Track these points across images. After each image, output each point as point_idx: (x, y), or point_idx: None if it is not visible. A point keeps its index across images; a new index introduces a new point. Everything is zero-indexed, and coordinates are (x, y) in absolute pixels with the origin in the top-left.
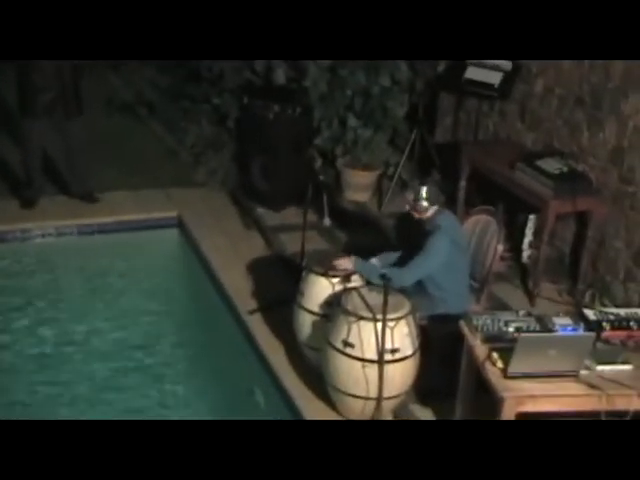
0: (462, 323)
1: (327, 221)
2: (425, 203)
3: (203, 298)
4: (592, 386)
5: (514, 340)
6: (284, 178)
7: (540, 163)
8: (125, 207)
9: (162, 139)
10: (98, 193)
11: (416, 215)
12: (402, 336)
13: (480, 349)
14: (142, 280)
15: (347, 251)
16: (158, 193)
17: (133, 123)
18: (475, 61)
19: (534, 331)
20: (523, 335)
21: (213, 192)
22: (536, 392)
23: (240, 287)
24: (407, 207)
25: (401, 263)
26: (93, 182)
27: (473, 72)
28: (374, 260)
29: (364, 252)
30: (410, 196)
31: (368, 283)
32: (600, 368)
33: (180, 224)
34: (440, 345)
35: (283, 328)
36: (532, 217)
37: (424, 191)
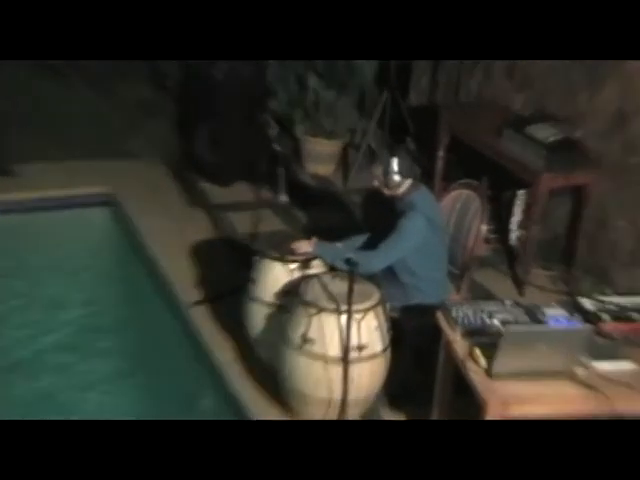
0: (439, 315)
1: (284, 198)
2: (397, 177)
3: (139, 288)
4: (589, 386)
5: (499, 334)
6: (234, 148)
7: (530, 130)
8: (46, 182)
9: (90, 102)
10: (14, 165)
11: (387, 191)
12: (370, 330)
13: (460, 344)
14: (66, 268)
15: (307, 233)
16: (86, 165)
17: (56, 84)
18: None
19: (522, 323)
20: (510, 328)
21: (151, 165)
22: (524, 393)
23: (182, 275)
24: (376, 182)
25: (369, 247)
26: (9, 153)
27: None
28: (339, 244)
29: (327, 234)
30: (380, 169)
31: (332, 269)
32: (598, 366)
33: (112, 202)
34: (414, 340)
35: (232, 322)
36: (521, 193)
37: (396, 163)
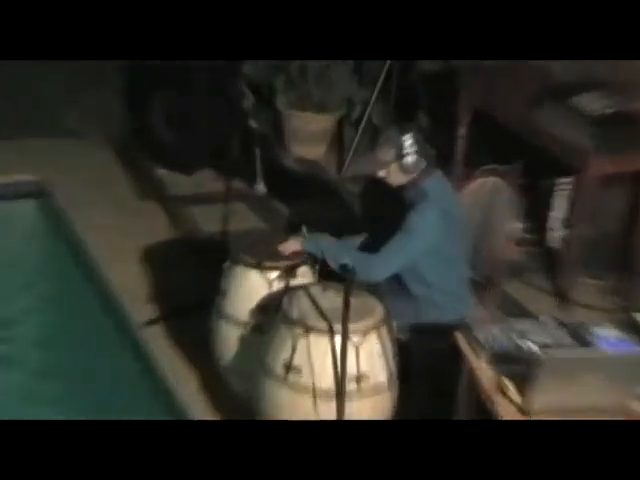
0: (459, 336)
1: (261, 188)
2: (414, 157)
3: (75, 302)
4: None
5: (536, 361)
6: (198, 125)
7: (576, 101)
8: None
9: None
10: None
11: (395, 179)
12: (372, 356)
13: (486, 373)
14: None
15: (291, 230)
16: (6, 146)
17: None
18: None
19: (565, 347)
20: (549, 353)
21: (91, 146)
22: None
23: (132, 286)
24: (382, 171)
25: (370, 249)
26: None
27: None
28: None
29: (315, 232)
30: (390, 152)
31: (323, 276)
32: None
33: (40, 193)
34: (427, 368)
35: (196, 346)
36: (564, 181)
37: (405, 143)
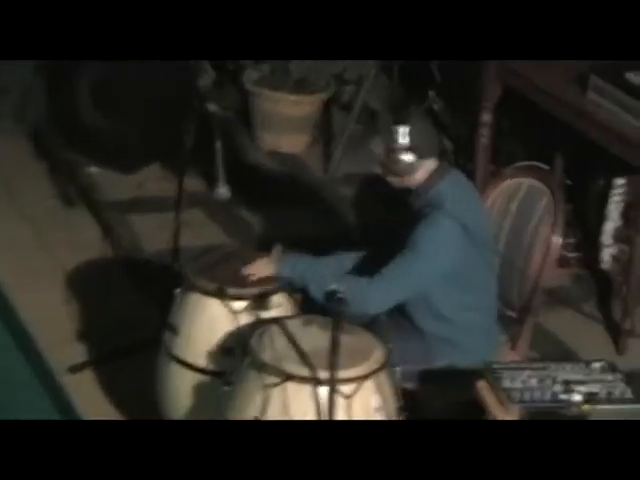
0: (483, 386)
1: (224, 192)
2: (411, 157)
3: None
4: None
5: (584, 418)
6: (141, 110)
7: (632, 77)
8: None
9: None
10: None
11: (395, 181)
12: (368, 412)
13: None
14: None
15: (262, 246)
16: None
17: None
18: None
19: (622, 401)
20: (600, 409)
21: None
22: None
23: (52, 321)
24: (380, 168)
25: (367, 271)
26: None
27: None
28: (275, 253)
29: (295, 250)
30: (384, 143)
31: (303, 308)
32: None
33: None
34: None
35: (138, 399)
36: (620, 182)
37: (406, 134)
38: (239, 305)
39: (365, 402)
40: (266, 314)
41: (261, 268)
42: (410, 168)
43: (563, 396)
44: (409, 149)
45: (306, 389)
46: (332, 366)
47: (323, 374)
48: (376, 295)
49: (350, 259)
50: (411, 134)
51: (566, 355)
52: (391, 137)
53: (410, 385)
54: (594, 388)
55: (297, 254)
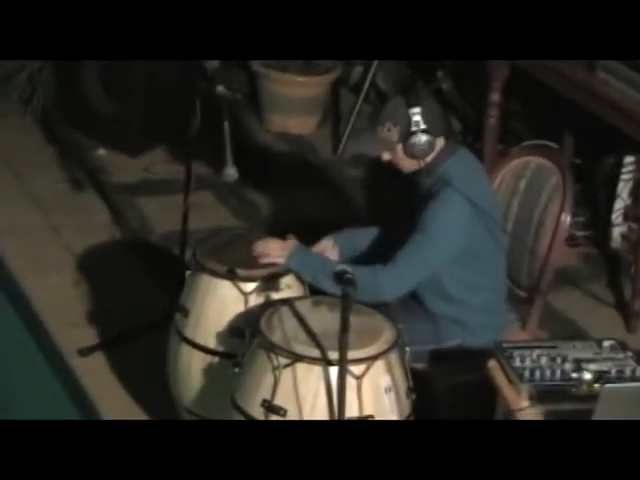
0: (493, 365)
1: (232, 173)
2: (426, 137)
3: None
4: None
5: (593, 396)
6: (146, 92)
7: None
8: None
9: None
10: None
11: (404, 165)
12: (378, 393)
13: (528, 414)
14: None
15: (273, 229)
16: None
17: None
18: None
19: (632, 380)
20: (610, 387)
21: (6, 118)
22: None
23: (62, 304)
24: (386, 153)
25: (376, 254)
26: None
27: None
28: (325, 242)
29: (304, 232)
30: (391, 128)
31: (313, 292)
32: None
33: None
34: (452, 408)
35: (148, 381)
36: (630, 161)
37: (421, 114)
38: (249, 287)
39: (375, 382)
40: (276, 295)
41: (274, 252)
42: (427, 149)
43: (574, 374)
44: (424, 130)
45: (316, 370)
46: (342, 347)
47: (333, 355)
48: (390, 284)
49: (362, 239)
50: (423, 115)
51: (576, 334)
52: (406, 118)
53: (420, 365)
54: (604, 367)
55: (307, 249)
